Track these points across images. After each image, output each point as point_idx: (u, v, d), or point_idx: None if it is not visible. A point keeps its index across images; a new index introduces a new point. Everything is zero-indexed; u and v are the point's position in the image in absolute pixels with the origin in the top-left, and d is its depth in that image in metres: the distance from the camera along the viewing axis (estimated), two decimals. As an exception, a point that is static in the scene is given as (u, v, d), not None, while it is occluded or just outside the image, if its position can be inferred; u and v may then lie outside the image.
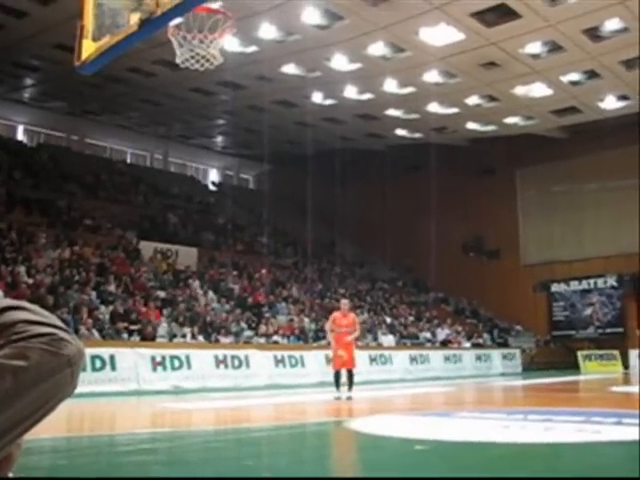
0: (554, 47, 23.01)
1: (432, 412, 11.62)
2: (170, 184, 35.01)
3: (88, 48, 4.76)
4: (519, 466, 5.85)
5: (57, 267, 20.56)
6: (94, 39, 4.67)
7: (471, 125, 31.16)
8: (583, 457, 6.29)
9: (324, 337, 24.04)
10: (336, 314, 14.85)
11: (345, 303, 15.33)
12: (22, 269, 19.25)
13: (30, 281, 18.81)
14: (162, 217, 29.89)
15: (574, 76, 25.54)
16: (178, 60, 5.23)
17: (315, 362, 20.69)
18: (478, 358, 27.56)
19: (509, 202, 34.95)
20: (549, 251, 33.32)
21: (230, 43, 21.68)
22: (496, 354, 28.61)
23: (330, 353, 15.38)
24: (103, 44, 4.61)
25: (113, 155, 37.10)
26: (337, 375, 14.35)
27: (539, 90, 26.53)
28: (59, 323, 1.30)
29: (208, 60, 5.30)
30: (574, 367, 29.16)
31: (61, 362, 1.21)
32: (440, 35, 22.10)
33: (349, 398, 13.94)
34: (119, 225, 26.57)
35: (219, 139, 39.29)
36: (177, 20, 4.80)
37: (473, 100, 27.96)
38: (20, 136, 34.01)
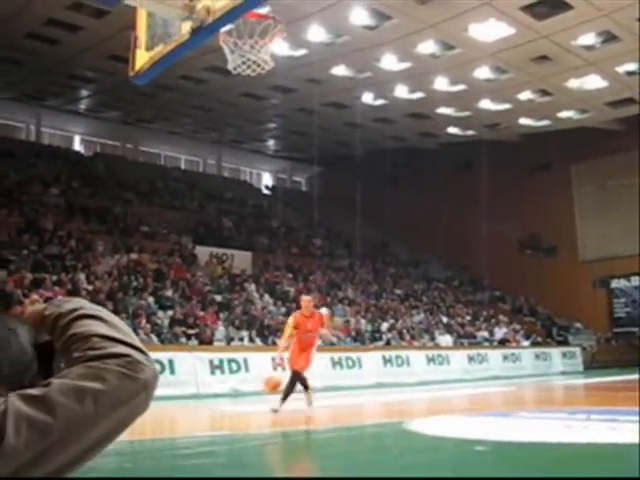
0: (608, 37, 22.50)
1: (492, 412, 11.49)
2: (224, 189, 35.33)
3: (141, 58, 4.84)
4: (583, 468, 5.74)
5: (115, 273, 20.93)
6: (147, 49, 4.75)
7: (524, 120, 30.69)
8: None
9: (380, 338, 24.03)
10: (297, 315, 11.85)
11: (306, 300, 12.05)
12: (82, 276, 19.66)
13: (90, 287, 19.19)
14: (217, 222, 30.18)
15: (630, 66, 24.93)
16: (230, 66, 5.27)
17: (372, 363, 20.65)
18: (537, 357, 27.11)
19: (565, 198, 34.33)
20: (608, 246, 32.59)
21: (280, 47, 21.76)
22: (556, 353, 28.10)
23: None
24: (156, 53, 4.68)
25: (167, 162, 37.63)
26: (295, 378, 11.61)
27: (593, 82, 25.98)
28: (135, 341, 1.29)
29: (259, 65, 5.33)
30: (637, 365, 28.46)
31: (138, 386, 1.20)
32: (490, 31, 21.82)
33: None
34: (175, 231, 26.93)
35: (271, 143, 39.50)
36: (228, 27, 4.84)
37: (525, 95, 27.54)
38: (77, 146, 34.76)
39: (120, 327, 1.32)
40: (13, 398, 1.13)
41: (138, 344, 1.30)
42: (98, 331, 1.26)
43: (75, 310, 1.32)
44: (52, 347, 1.33)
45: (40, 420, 1.10)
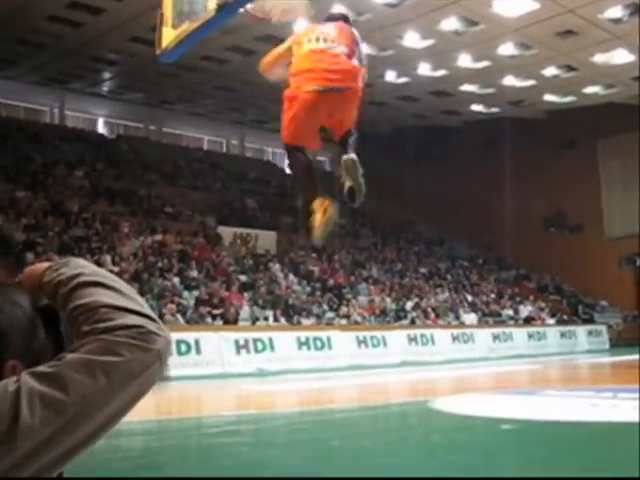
0: (636, 9, 22.09)
1: (517, 391, 11.47)
2: (247, 169, 35.36)
3: (168, 36, 4.82)
4: (610, 446, 5.71)
5: (140, 255, 21.09)
6: (174, 27, 4.73)
7: (549, 97, 30.32)
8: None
9: (405, 317, 24.01)
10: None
11: None
12: (107, 258, 19.81)
13: (115, 269, 19.33)
14: (240, 202, 30.24)
15: (658, 40, 24.51)
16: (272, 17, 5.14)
17: (397, 342, 20.67)
18: (563, 335, 26.97)
19: (591, 174, 33.91)
20: (634, 223, 32.17)
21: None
22: (581, 331, 27.93)
23: None
24: (182, 31, 4.67)
25: (190, 143, 37.68)
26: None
27: (620, 56, 25.56)
28: (145, 308, 1.24)
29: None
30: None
31: (151, 357, 1.17)
32: (514, 6, 21.50)
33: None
34: (199, 211, 27.03)
35: (294, 122, 39.38)
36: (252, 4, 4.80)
37: (550, 71, 27.17)
38: (100, 129, 34.90)
39: (125, 292, 1.27)
40: (25, 377, 1.11)
41: (147, 311, 1.25)
42: (104, 301, 1.22)
43: (75, 277, 1.27)
44: (54, 309, 1.30)
45: (54, 397, 1.09)
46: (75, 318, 1.22)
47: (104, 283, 1.27)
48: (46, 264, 1.35)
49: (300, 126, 5.49)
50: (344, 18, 5.85)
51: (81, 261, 1.34)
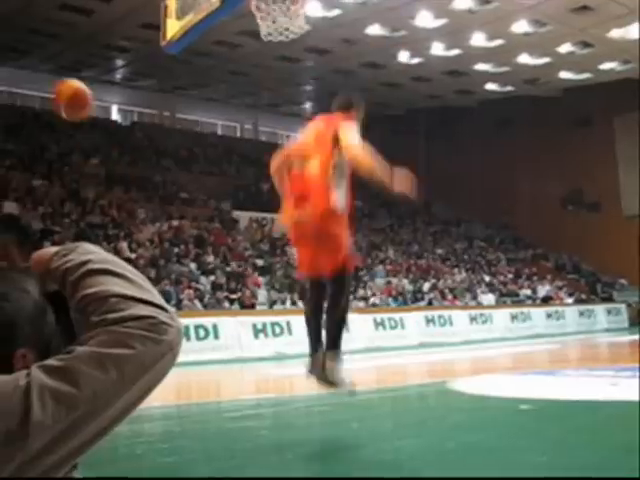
0: (652, -17, 21.78)
1: (536, 371, 11.45)
2: (261, 153, 35.23)
3: (173, 27, 4.81)
4: (631, 425, 5.69)
5: (157, 241, 21.18)
6: (178, 18, 4.72)
7: (564, 74, 30.04)
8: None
9: (422, 298, 23.99)
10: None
11: None
12: (124, 245, 19.92)
13: (132, 256, 19.44)
14: (255, 186, 30.26)
15: (675, 13, 24.14)
16: (262, 34, 5.18)
17: (414, 323, 20.67)
18: (581, 314, 26.84)
19: (607, 151, 33.59)
20: (653, 200, 31.93)
21: (313, 8, 21.55)
22: (600, 309, 27.79)
23: None
24: (187, 22, 4.65)
25: (204, 128, 37.72)
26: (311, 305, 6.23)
27: (636, 31, 25.24)
28: (156, 297, 1.21)
29: (292, 31, 5.25)
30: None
31: (163, 349, 1.15)
32: (528, -18, 21.31)
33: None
34: (214, 197, 27.08)
35: (307, 105, 39.27)
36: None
37: (566, 48, 26.89)
38: (115, 116, 34.99)
39: (135, 280, 1.23)
40: (36, 371, 1.09)
41: (158, 300, 1.21)
42: (114, 290, 1.18)
43: (83, 264, 1.23)
44: (63, 295, 1.26)
45: (65, 392, 1.07)
46: (84, 307, 1.19)
47: (113, 271, 1.24)
48: (54, 249, 1.32)
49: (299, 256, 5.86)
50: (341, 107, 5.93)
51: (90, 246, 1.31)
